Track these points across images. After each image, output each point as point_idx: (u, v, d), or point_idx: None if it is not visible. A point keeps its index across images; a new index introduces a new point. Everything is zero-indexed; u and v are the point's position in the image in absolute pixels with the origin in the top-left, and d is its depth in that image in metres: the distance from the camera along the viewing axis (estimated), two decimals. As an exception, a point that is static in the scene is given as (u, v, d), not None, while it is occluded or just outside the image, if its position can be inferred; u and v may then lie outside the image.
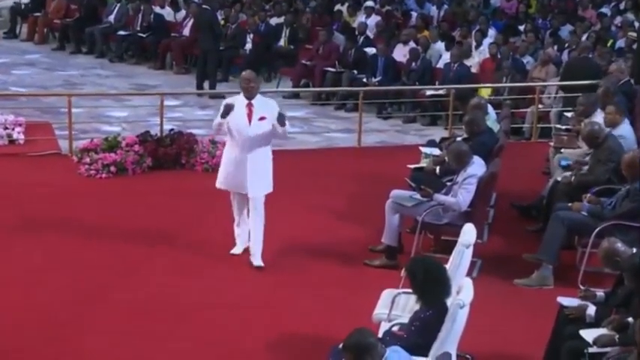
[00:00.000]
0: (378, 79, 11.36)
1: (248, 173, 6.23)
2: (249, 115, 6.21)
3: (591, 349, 4.50)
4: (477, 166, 6.35)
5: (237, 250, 6.57)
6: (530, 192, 7.87)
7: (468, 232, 5.12)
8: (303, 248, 6.81)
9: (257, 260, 6.35)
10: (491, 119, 7.42)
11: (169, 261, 6.52)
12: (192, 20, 13.13)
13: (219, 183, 6.47)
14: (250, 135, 6.20)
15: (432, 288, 4.44)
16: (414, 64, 11.40)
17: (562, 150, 7.49)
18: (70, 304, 5.77)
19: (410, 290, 5.05)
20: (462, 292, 4.42)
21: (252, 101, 6.22)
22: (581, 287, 5.36)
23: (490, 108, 7.62)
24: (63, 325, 5.49)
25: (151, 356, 5.24)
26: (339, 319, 5.43)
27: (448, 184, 6.54)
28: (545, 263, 6.26)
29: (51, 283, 6.06)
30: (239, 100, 6.25)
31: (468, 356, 5.13)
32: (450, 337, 4.33)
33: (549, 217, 6.46)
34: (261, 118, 6.21)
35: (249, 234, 6.44)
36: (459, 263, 4.99)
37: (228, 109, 6.15)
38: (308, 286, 6.24)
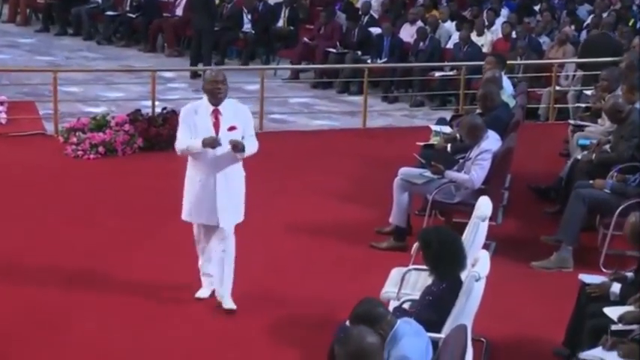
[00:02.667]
0: (383, 60, 11.35)
1: (218, 199, 5.31)
2: (216, 125, 5.27)
3: (615, 327, 4.47)
4: (492, 141, 6.32)
5: (203, 292, 5.61)
6: (547, 174, 7.86)
7: (484, 205, 5.09)
8: (307, 230, 6.81)
9: (229, 302, 5.48)
10: (507, 94, 7.39)
11: (161, 243, 6.50)
12: (185, -1, 13.12)
13: (186, 214, 5.50)
14: (218, 150, 5.23)
15: (446, 260, 4.41)
16: (421, 44, 11.37)
17: (584, 129, 7.45)
18: (56, 287, 5.75)
19: (420, 267, 5.06)
20: (478, 264, 4.38)
21: (219, 107, 5.28)
22: (604, 270, 5.33)
23: (507, 81, 7.59)
24: (50, 308, 5.47)
25: (143, 339, 5.21)
26: (346, 299, 5.37)
27: (461, 160, 6.51)
28: (564, 244, 6.22)
29: (36, 265, 6.04)
30: (202, 107, 5.32)
31: (482, 339, 5.10)
32: (465, 312, 4.28)
33: (568, 199, 6.44)
34: (231, 128, 5.27)
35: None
36: (473, 238, 4.96)
37: (189, 121, 5.28)
38: (313, 267, 6.24)
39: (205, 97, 5.34)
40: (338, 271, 6.17)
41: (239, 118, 5.33)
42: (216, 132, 5.26)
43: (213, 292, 5.60)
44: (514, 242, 6.66)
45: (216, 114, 5.29)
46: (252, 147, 5.38)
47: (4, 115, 8.85)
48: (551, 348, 5.13)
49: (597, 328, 4.56)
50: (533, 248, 6.53)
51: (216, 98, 5.27)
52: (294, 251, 6.46)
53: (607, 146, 6.85)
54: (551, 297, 5.82)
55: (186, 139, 5.32)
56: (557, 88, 9.98)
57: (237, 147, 5.23)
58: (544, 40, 11.45)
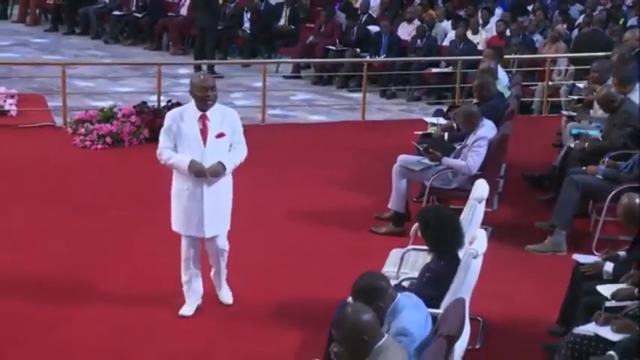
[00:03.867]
0: (382, 57, 11.32)
1: (205, 210, 4.96)
2: (204, 132, 4.89)
3: (609, 303, 4.45)
4: (488, 129, 6.30)
5: (187, 310, 5.19)
6: (541, 164, 7.84)
7: (481, 187, 5.08)
8: (308, 217, 6.79)
9: (227, 296, 5.32)
10: (502, 84, 7.38)
11: (166, 229, 6.46)
12: (189, -1, 13.11)
13: (175, 226, 5.15)
14: (206, 158, 4.88)
15: (444, 238, 4.39)
16: (419, 41, 11.36)
17: (576, 119, 7.43)
18: (64, 271, 5.73)
19: (419, 247, 5.04)
20: (476, 242, 4.36)
21: (207, 113, 4.89)
22: (596, 253, 5.30)
23: (502, 73, 7.57)
24: (57, 292, 5.44)
25: (150, 322, 5.17)
26: (346, 281, 5.36)
27: (457, 148, 6.49)
28: (558, 229, 6.20)
29: (46, 250, 6.02)
30: (189, 112, 4.92)
31: (479, 318, 5.08)
32: (463, 287, 4.26)
33: (561, 187, 6.41)
34: (219, 135, 4.90)
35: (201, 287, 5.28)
36: (471, 218, 4.95)
37: (174, 128, 4.90)
38: (314, 251, 6.21)
39: (192, 102, 4.92)
40: (338, 255, 6.14)
41: (227, 124, 4.95)
42: (204, 139, 4.90)
43: (197, 307, 5.22)
44: (509, 227, 6.64)
45: (203, 120, 4.90)
46: (239, 156, 5.01)
47: (14, 108, 8.81)
48: (546, 327, 5.10)
49: (591, 305, 4.54)
50: (527, 233, 6.50)
51: (204, 105, 4.87)
52: (296, 237, 6.44)
53: (599, 134, 6.83)
54: (546, 279, 5.80)
55: (168, 149, 4.94)
56: (550, 83, 9.96)
57: (218, 173, 4.90)
58: (537, 38, 11.44)
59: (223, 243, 5.18)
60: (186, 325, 5.12)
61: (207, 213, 4.99)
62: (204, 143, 4.89)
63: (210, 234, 5.07)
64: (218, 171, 4.91)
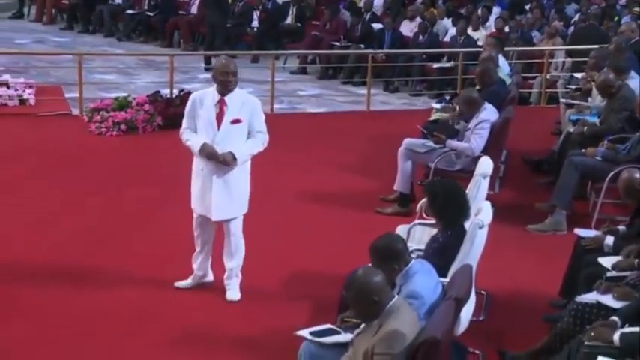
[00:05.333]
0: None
1: (213, 193, 4.86)
2: (220, 116, 4.77)
3: (610, 274, 4.42)
4: (490, 112, 6.28)
5: (182, 282, 5.13)
6: (540, 151, 7.81)
7: (485, 164, 5.06)
8: (316, 199, 6.77)
9: (231, 294, 5.05)
10: (503, 72, 7.35)
11: (182, 209, 6.44)
12: (199, -2, 13.11)
13: (192, 202, 5.04)
14: (217, 142, 4.76)
15: (451, 209, 4.37)
16: (421, 37, 11.34)
17: (575, 106, 7.39)
18: (82, 247, 5.71)
19: (425, 222, 5.02)
20: (481, 213, 4.34)
21: (226, 97, 4.77)
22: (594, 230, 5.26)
23: (503, 61, 7.55)
24: (74, 267, 5.41)
25: (164, 297, 5.13)
26: (352, 257, 5.34)
27: (460, 130, 6.46)
28: (558, 208, 6.17)
29: (63, 228, 6.02)
30: (209, 95, 4.83)
31: (483, 292, 5.05)
32: (470, 256, 4.24)
33: (561, 169, 6.38)
34: (235, 121, 4.76)
35: (209, 270, 5.20)
36: (476, 193, 4.92)
37: (193, 111, 4.82)
38: (322, 230, 6.20)
39: (214, 86, 4.84)
40: (345, 233, 6.12)
41: (245, 111, 4.79)
42: (219, 124, 4.77)
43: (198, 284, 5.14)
44: (510, 209, 6.60)
45: (221, 104, 4.78)
46: (256, 146, 4.85)
47: (33, 97, 8.80)
48: (548, 300, 5.08)
49: (592, 275, 4.51)
50: (528, 214, 6.47)
51: (225, 89, 4.77)
52: (303, 217, 6.42)
53: (597, 120, 6.80)
54: (547, 256, 5.78)
55: (188, 129, 4.88)
56: (548, 76, 9.93)
57: (227, 162, 4.75)
58: (535, 34, 11.41)
59: (234, 228, 5.00)
60: (198, 301, 5.08)
61: (215, 197, 4.89)
62: (218, 127, 4.78)
63: (216, 218, 4.97)
64: (227, 160, 4.79)
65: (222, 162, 4.78)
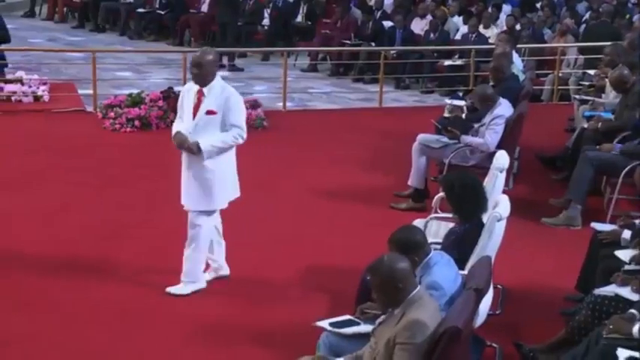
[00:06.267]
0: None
1: (183, 181, 4.94)
2: (197, 106, 4.82)
3: (628, 267, 4.41)
4: (505, 108, 6.27)
5: (198, 284, 5.08)
6: (553, 147, 7.80)
7: (501, 157, 5.05)
8: (330, 194, 6.78)
9: (174, 287, 4.99)
10: (517, 68, 7.34)
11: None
12: (210, -4, 13.13)
13: None
14: (191, 132, 4.79)
15: (468, 201, 4.37)
16: (432, 35, 11.33)
17: (589, 103, 7.38)
18: (96, 241, 5.74)
19: (441, 215, 5.02)
20: (499, 206, 4.34)
21: (204, 89, 4.79)
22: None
23: (516, 57, 7.54)
24: (88, 260, 5.43)
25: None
26: (368, 250, 5.34)
27: (475, 126, 6.46)
28: (573, 203, 6.16)
29: (77, 223, 6.04)
30: (194, 86, 4.89)
31: (499, 286, 5.04)
32: (488, 248, 4.24)
33: (575, 165, 6.36)
34: (209, 112, 4.78)
35: (224, 263, 5.23)
36: (492, 186, 4.92)
37: (180, 100, 4.93)
38: (337, 224, 6.21)
39: None
40: (360, 229, 6.13)
41: (220, 103, 4.78)
42: (194, 113, 4.81)
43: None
44: (525, 204, 6.58)
45: (199, 95, 4.83)
46: (226, 139, 4.78)
47: (46, 94, 8.84)
48: (564, 294, 5.07)
49: (609, 269, 4.50)
50: (542, 209, 6.45)
51: (194, 80, 4.85)
52: (318, 212, 6.43)
53: (611, 116, 6.78)
54: (562, 250, 5.78)
55: (179, 119, 4.97)
56: (560, 74, 9.91)
57: (192, 151, 4.77)
58: (546, 32, 11.40)
59: (192, 220, 4.94)
60: (215, 294, 5.09)
61: (183, 185, 4.97)
62: (193, 117, 4.82)
63: (184, 205, 4.98)
64: (192, 149, 4.80)
65: (188, 150, 4.83)
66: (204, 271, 5.17)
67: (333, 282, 5.22)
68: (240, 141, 4.86)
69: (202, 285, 5.05)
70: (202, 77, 4.77)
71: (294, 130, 8.51)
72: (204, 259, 5.09)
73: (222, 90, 4.82)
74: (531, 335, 4.62)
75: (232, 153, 4.95)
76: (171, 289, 4.99)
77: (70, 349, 4.43)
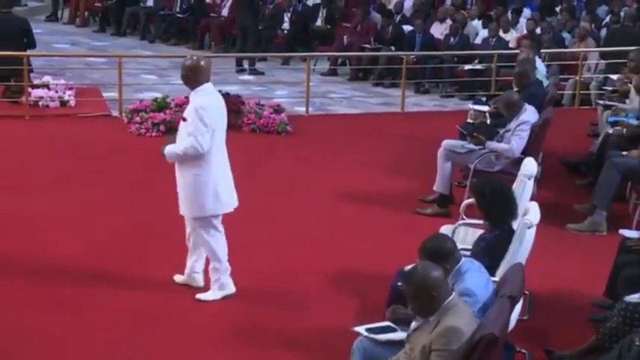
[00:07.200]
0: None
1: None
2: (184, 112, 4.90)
3: (658, 274, 4.43)
4: (530, 114, 6.30)
5: (178, 278, 5.19)
6: (576, 152, 7.81)
7: (529, 164, 5.08)
8: (354, 198, 6.83)
9: (204, 294, 5.02)
10: (541, 73, 7.36)
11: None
12: (230, 0, 13.19)
13: None
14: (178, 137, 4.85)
15: (499, 207, 4.40)
16: (452, 39, 11.35)
17: (612, 108, 7.39)
18: (122, 243, 5.83)
19: (470, 221, 5.05)
20: (529, 213, 4.38)
21: (191, 94, 4.82)
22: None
23: (540, 63, 7.56)
24: (115, 262, 5.51)
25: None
26: (394, 256, 5.39)
27: (500, 131, 6.49)
28: (598, 209, 6.17)
29: (105, 227, 6.11)
30: None
31: (526, 292, 5.06)
32: (518, 255, 4.27)
33: (600, 171, 6.38)
34: (183, 119, 4.84)
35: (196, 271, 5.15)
36: (521, 193, 4.94)
37: None
38: (363, 229, 6.25)
39: None
40: (386, 233, 6.17)
41: (190, 111, 4.75)
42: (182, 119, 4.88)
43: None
44: (549, 209, 6.49)
45: (188, 100, 4.92)
46: (180, 146, 4.75)
47: (73, 98, 8.95)
48: (591, 300, 5.09)
49: (632, 275, 4.53)
50: (567, 215, 6.47)
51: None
52: (344, 217, 6.47)
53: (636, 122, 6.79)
54: (588, 256, 5.79)
55: None
56: (582, 78, 9.91)
57: (161, 154, 4.81)
58: (566, 36, 11.38)
59: (192, 225, 5.00)
60: (245, 299, 5.13)
61: (178, 188, 4.99)
62: (180, 122, 4.89)
63: (180, 209, 5.01)
64: (161, 152, 4.85)
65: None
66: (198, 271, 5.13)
67: (362, 287, 5.26)
68: (191, 150, 4.75)
69: (231, 290, 5.09)
70: (185, 82, 4.82)
71: (318, 134, 8.56)
72: (224, 265, 5.04)
73: (194, 98, 4.79)
74: (559, 341, 4.65)
75: (211, 163, 4.83)
76: (201, 296, 5.02)
77: (100, 352, 4.48)
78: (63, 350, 4.48)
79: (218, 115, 4.86)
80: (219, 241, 5.00)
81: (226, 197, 4.96)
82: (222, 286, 5.04)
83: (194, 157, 4.77)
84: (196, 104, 4.76)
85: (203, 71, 4.79)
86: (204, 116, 4.72)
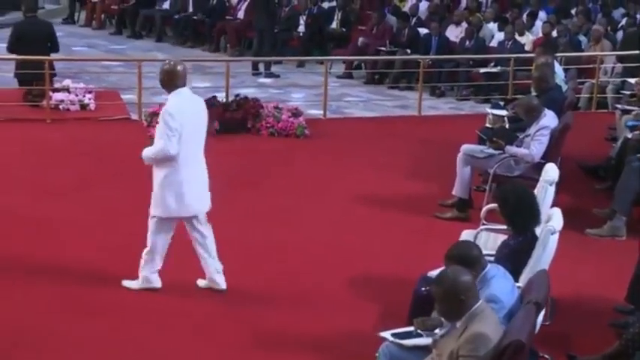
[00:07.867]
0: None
1: None
2: None
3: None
4: (550, 119, 6.31)
5: (200, 282, 5.30)
6: (595, 156, 7.81)
7: (551, 170, 5.10)
8: (373, 201, 6.87)
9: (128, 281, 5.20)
10: (559, 78, 7.36)
11: (235, 210, 6.56)
12: (246, 3, 13.26)
13: None
14: None
15: (522, 214, 4.42)
16: (467, 42, 11.37)
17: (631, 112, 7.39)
18: (142, 246, 5.75)
19: (492, 226, 5.08)
20: (552, 219, 4.40)
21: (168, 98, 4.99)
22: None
23: (558, 67, 7.56)
24: (130, 261, 5.39)
25: (232, 298, 5.21)
26: (415, 260, 5.44)
27: (519, 136, 6.50)
28: (618, 214, 6.18)
29: (128, 229, 6.12)
30: None
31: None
32: (542, 261, 4.30)
33: (619, 175, 6.39)
34: (157, 122, 5.01)
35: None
36: (543, 199, 4.97)
37: None
38: (380, 232, 6.28)
39: None
40: (405, 237, 6.21)
41: (161, 115, 4.92)
42: None
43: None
44: (568, 213, 6.42)
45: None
46: (150, 150, 4.97)
47: (93, 102, 9.03)
48: (613, 305, 5.11)
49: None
50: (586, 220, 6.46)
51: None
52: (363, 221, 6.50)
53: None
54: (608, 261, 5.80)
55: None
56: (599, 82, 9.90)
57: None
58: (582, 39, 11.37)
59: (150, 230, 5.10)
60: (266, 300, 5.18)
61: None
62: None
63: None
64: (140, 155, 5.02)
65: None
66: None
67: (383, 291, 5.30)
68: (160, 154, 4.90)
69: (157, 285, 5.15)
70: (162, 86, 4.98)
71: (336, 137, 8.60)
72: (157, 264, 5.14)
73: (167, 102, 4.93)
74: (581, 346, 4.67)
75: (180, 166, 4.93)
76: (126, 283, 5.15)
77: (122, 355, 4.54)
78: (73, 351, 4.53)
79: (189, 119, 4.95)
80: (164, 244, 5.13)
81: (192, 200, 5.03)
82: (148, 281, 5.17)
83: (165, 160, 4.91)
84: (165, 109, 4.90)
85: (179, 76, 4.93)
86: (169, 121, 4.84)
